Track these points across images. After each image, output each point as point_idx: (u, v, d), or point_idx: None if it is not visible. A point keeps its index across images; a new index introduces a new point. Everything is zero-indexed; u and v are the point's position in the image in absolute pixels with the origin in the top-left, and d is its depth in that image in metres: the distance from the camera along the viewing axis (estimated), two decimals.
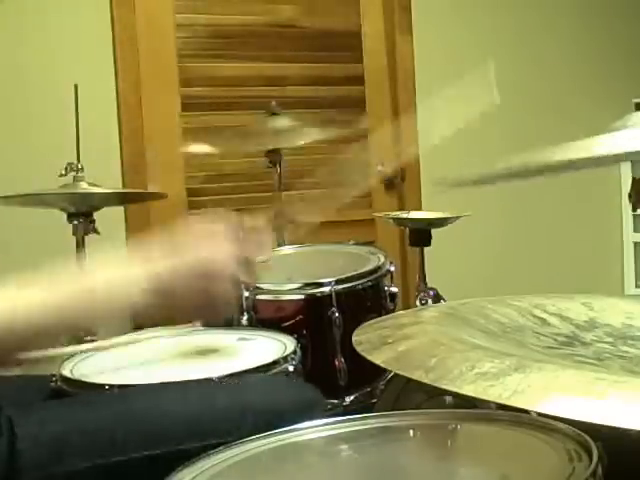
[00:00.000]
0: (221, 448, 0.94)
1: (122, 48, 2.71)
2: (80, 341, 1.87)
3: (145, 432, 1.15)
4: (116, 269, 1.04)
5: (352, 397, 1.84)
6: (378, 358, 0.80)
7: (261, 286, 1.89)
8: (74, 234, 1.97)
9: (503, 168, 0.94)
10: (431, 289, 2.02)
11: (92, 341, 1.89)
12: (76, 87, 2.00)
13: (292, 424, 1.00)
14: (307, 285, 1.87)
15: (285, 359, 1.48)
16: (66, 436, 1.13)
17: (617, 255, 3.50)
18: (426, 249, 2.07)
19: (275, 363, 1.46)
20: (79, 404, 1.27)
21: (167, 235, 1.07)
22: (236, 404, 1.23)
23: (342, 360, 1.80)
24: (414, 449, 0.97)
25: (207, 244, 1.06)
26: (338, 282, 1.84)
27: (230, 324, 1.77)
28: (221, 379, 1.35)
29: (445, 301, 1.97)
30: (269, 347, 1.57)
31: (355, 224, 2.95)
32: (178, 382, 1.34)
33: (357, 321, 1.00)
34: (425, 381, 0.71)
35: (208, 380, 1.35)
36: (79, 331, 1.05)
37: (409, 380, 0.79)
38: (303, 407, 1.23)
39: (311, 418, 1.02)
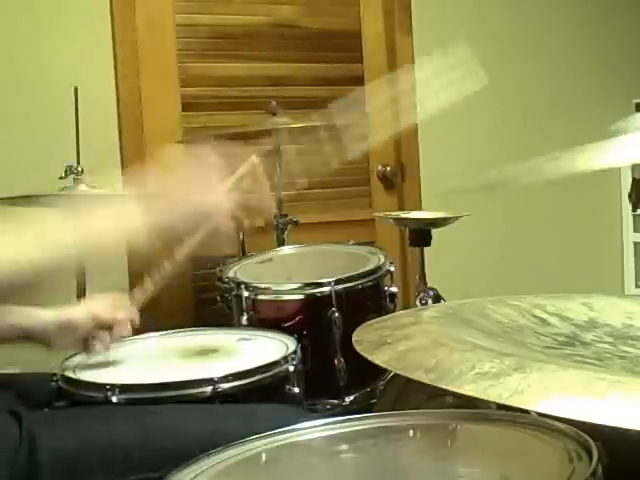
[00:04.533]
0: (221, 448, 0.94)
1: (122, 48, 2.71)
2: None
3: (162, 453, 1.15)
4: (112, 209, 1.07)
5: (352, 397, 1.84)
6: (378, 358, 0.80)
7: (261, 286, 1.89)
8: None
9: (502, 177, 0.95)
10: (431, 289, 2.03)
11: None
12: (76, 90, 2.01)
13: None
14: (307, 285, 1.87)
15: (285, 359, 1.48)
16: (85, 452, 1.13)
17: (617, 255, 3.50)
18: (426, 249, 2.07)
19: (275, 363, 1.46)
20: (98, 418, 1.27)
21: (161, 171, 1.09)
22: (247, 428, 1.23)
23: (342, 360, 1.80)
24: (414, 449, 0.97)
25: (201, 179, 1.08)
26: (338, 282, 1.85)
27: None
28: (220, 379, 1.36)
29: (445, 301, 1.97)
30: (269, 347, 1.57)
31: (355, 224, 2.95)
32: (177, 383, 1.35)
33: (357, 321, 1.00)
34: (425, 381, 0.72)
35: (204, 381, 1.35)
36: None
37: (409, 380, 0.79)
38: None
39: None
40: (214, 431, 1.20)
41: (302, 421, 1.27)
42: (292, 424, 1.00)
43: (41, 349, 1.38)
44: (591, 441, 0.80)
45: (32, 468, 1.08)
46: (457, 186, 1.00)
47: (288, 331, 1.68)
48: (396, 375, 1.48)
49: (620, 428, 0.60)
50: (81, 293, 1.98)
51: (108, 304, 1.42)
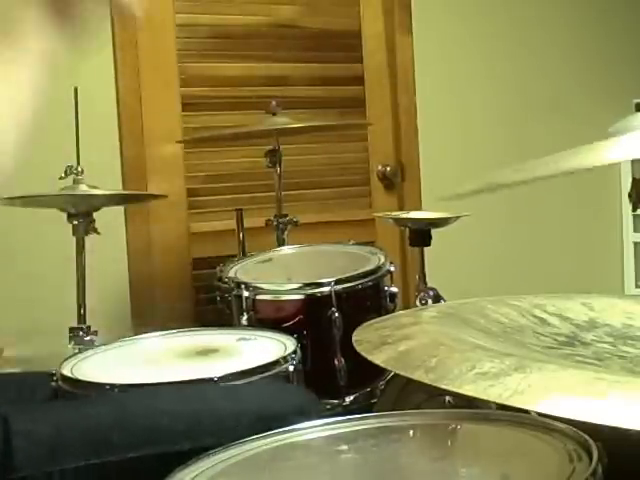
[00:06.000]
0: (221, 448, 0.94)
1: (122, 48, 2.71)
2: (81, 341, 1.88)
3: (141, 432, 1.15)
4: None
5: (352, 397, 1.84)
6: (378, 358, 0.80)
7: (261, 286, 1.89)
8: (74, 234, 1.97)
9: (502, 179, 0.94)
10: (431, 289, 2.02)
11: (92, 341, 1.90)
12: (76, 90, 2.00)
13: (288, 426, 1.00)
14: (307, 285, 1.87)
15: (285, 359, 1.48)
16: (61, 434, 1.13)
17: (617, 255, 3.50)
18: (426, 249, 2.06)
19: (275, 363, 1.46)
20: (75, 403, 1.27)
21: None
22: (233, 405, 1.23)
23: (342, 360, 1.80)
24: (414, 449, 0.98)
25: None
26: (338, 282, 1.84)
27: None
28: (220, 379, 1.35)
29: (445, 301, 1.97)
30: (269, 347, 1.57)
31: (355, 224, 2.95)
32: (174, 383, 1.34)
33: (357, 321, 1.00)
34: (425, 381, 0.71)
35: (204, 381, 1.35)
36: None
37: (409, 380, 0.79)
38: (299, 410, 1.23)
39: (307, 421, 1.02)
40: (197, 410, 1.20)
41: (288, 394, 1.26)
42: (277, 398, 0.99)
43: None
44: (591, 441, 0.80)
45: (8, 453, 1.07)
46: (458, 190, 0.98)
47: (288, 331, 1.68)
48: (396, 375, 1.48)
49: (620, 428, 0.60)
50: (81, 294, 1.98)
51: None
